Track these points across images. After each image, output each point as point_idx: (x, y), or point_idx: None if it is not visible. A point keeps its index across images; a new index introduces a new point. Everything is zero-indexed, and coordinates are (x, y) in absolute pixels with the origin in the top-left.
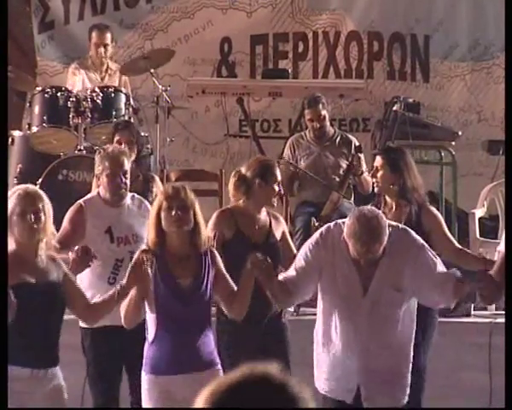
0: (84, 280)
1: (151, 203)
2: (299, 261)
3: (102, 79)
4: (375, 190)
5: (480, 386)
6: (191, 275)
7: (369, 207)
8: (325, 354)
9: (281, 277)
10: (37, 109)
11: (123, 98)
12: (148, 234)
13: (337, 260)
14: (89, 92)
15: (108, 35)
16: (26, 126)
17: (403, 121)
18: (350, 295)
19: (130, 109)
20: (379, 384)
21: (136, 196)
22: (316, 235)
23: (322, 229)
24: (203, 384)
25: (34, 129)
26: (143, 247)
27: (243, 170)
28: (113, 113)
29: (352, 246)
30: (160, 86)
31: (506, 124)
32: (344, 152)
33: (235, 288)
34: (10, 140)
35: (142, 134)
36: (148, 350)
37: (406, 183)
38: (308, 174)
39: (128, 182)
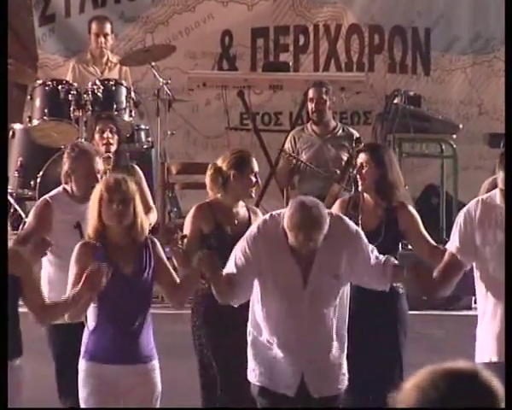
0: (53, 275)
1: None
2: (239, 257)
3: (102, 72)
4: (359, 187)
5: None
6: (133, 263)
7: (308, 196)
8: (268, 347)
9: (224, 272)
10: (37, 102)
11: (124, 91)
12: (88, 225)
13: (275, 253)
14: (90, 85)
15: (108, 25)
16: (27, 119)
17: (404, 114)
18: (291, 288)
19: (131, 102)
20: (322, 373)
21: None
22: (253, 229)
23: (259, 222)
24: (143, 376)
25: (35, 122)
26: (85, 239)
27: (219, 162)
28: (114, 106)
29: (293, 237)
30: (161, 79)
31: (506, 117)
32: (345, 145)
33: (177, 279)
34: (11, 133)
35: (143, 127)
36: (88, 338)
37: (389, 179)
38: (309, 167)
39: (99, 179)
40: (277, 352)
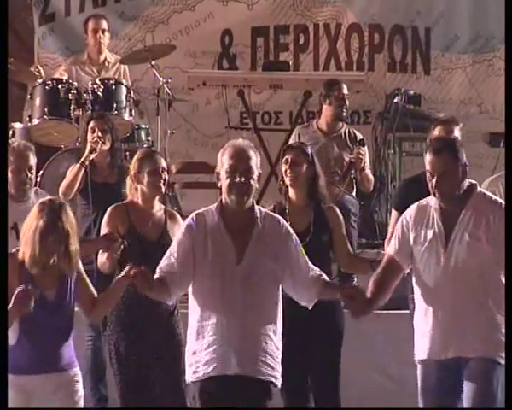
0: None
1: (126, 195)
2: (173, 248)
3: (99, 71)
4: (288, 183)
5: None
6: (56, 285)
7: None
8: (204, 334)
9: (157, 274)
10: (37, 101)
11: (124, 90)
12: (25, 251)
13: (210, 234)
14: (90, 84)
15: (105, 22)
16: (27, 118)
17: (404, 113)
18: (224, 263)
19: (131, 101)
20: (253, 354)
21: (40, 190)
22: (187, 220)
23: (192, 214)
24: (61, 385)
25: (35, 121)
26: (14, 250)
27: (130, 165)
28: (114, 105)
29: (225, 169)
30: (161, 79)
31: (506, 116)
32: (349, 146)
33: (95, 293)
34: (11, 132)
35: (143, 126)
36: (9, 353)
37: (320, 178)
38: None
39: (33, 177)
40: (214, 333)
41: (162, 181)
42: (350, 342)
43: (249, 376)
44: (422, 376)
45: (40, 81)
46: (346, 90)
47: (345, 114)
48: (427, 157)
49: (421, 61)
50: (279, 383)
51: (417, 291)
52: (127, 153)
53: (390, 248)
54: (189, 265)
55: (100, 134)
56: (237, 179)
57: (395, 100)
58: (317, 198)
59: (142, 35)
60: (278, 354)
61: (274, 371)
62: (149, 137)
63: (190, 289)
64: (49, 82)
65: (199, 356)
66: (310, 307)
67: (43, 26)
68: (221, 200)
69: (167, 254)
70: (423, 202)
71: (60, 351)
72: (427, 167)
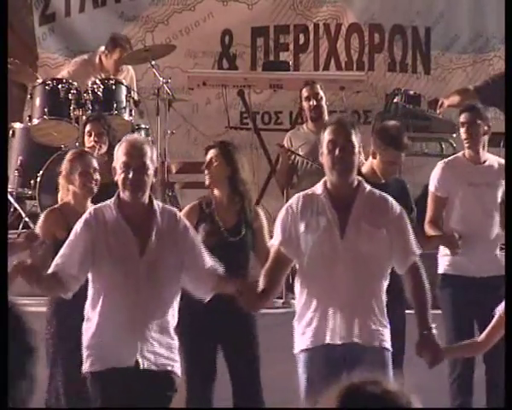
0: None
1: None
2: (68, 243)
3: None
4: (206, 182)
5: (477, 381)
6: None
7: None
8: (104, 327)
9: (51, 269)
10: (38, 101)
11: (124, 90)
12: None
13: (110, 228)
14: (90, 84)
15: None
16: (27, 118)
17: (404, 113)
18: (126, 256)
19: (131, 101)
20: (152, 347)
21: None
22: (84, 216)
23: (90, 209)
24: None
25: (35, 121)
26: None
27: (62, 166)
28: (114, 105)
29: (119, 165)
30: (161, 78)
31: (506, 116)
32: None
33: None
34: (11, 132)
35: (143, 126)
36: None
37: (240, 175)
38: (307, 164)
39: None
40: (113, 326)
41: (94, 182)
42: None
43: (147, 368)
44: (307, 366)
45: (40, 81)
46: (318, 90)
47: (323, 111)
48: (329, 129)
49: (421, 60)
50: (178, 371)
51: (306, 279)
52: None
53: (275, 239)
54: (86, 259)
55: (96, 138)
56: (130, 175)
57: (395, 100)
58: (241, 195)
59: (142, 35)
60: (174, 344)
61: (170, 361)
62: (149, 137)
63: (92, 285)
64: (49, 82)
65: (96, 348)
66: (206, 301)
67: (43, 26)
68: (118, 194)
69: (64, 248)
70: (308, 191)
71: None
72: (329, 138)
